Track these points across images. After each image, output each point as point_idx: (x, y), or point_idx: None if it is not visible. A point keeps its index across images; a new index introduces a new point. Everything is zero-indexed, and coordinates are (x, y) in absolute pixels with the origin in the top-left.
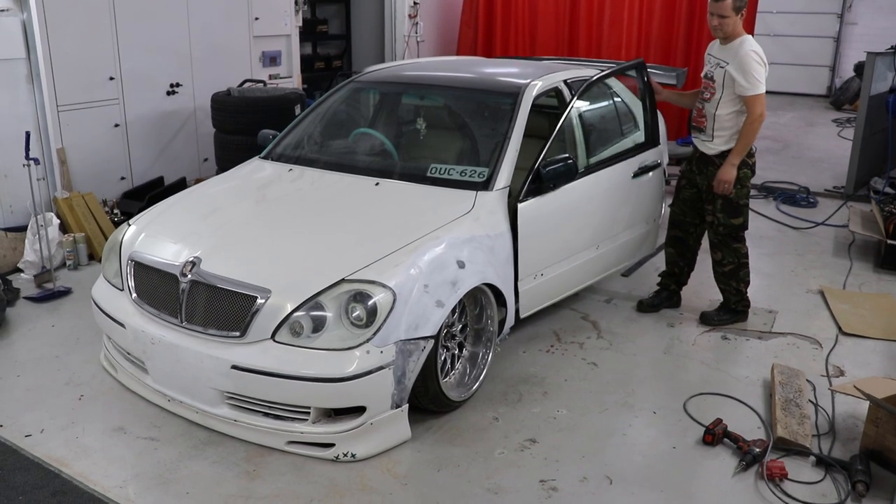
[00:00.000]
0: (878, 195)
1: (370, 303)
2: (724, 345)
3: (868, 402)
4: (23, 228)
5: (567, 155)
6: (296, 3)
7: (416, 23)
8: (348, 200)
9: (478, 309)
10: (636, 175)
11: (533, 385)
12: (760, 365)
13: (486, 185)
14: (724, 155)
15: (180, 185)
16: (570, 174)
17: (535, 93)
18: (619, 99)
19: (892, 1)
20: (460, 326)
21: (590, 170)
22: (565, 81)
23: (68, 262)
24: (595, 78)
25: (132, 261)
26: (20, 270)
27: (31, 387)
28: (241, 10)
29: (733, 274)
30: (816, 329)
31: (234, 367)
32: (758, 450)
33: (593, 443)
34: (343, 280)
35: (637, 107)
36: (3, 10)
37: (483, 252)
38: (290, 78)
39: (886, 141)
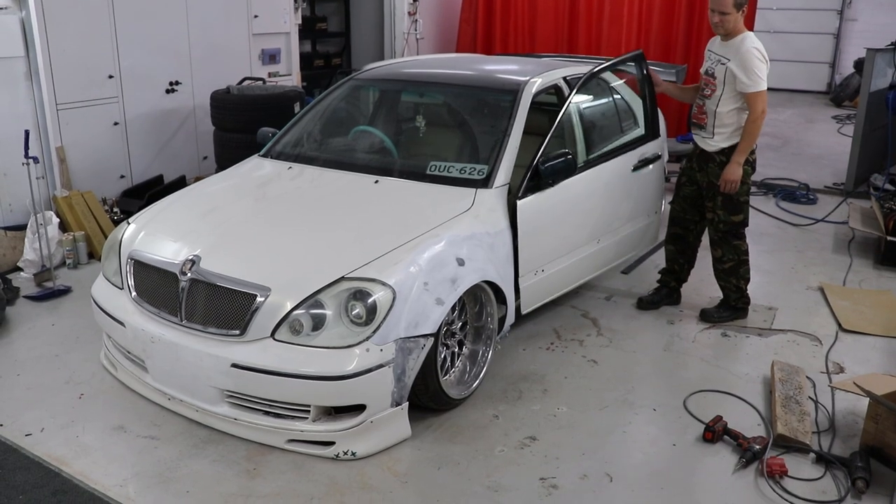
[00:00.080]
0: (877, 192)
1: (370, 301)
2: (724, 342)
3: (868, 399)
4: (22, 227)
5: (566, 150)
6: (295, 0)
7: (416, 20)
8: (348, 198)
9: (478, 306)
10: (636, 168)
11: (533, 383)
12: (760, 362)
13: (485, 182)
14: (724, 152)
15: (180, 183)
16: (568, 170)
17: (534, 90)
18: (618, 96)
19: None
20: (460, 324)
21: (589, 164)
22: (565, 78)
23: (68, 261)
24: (595, 70)
25: (132, 259)
26: (20, 269)
27: (31, 386)
28: (241, 7)
29: (733, 271)
30: (816, 326)
31: (234, 365)
32: (758, 447)
33: (593, 440)
34: (343, 278)
35: (637, 104)
36: (1, 8)
37: (483, 249)
38: (289, 76)
39: (886, 137)
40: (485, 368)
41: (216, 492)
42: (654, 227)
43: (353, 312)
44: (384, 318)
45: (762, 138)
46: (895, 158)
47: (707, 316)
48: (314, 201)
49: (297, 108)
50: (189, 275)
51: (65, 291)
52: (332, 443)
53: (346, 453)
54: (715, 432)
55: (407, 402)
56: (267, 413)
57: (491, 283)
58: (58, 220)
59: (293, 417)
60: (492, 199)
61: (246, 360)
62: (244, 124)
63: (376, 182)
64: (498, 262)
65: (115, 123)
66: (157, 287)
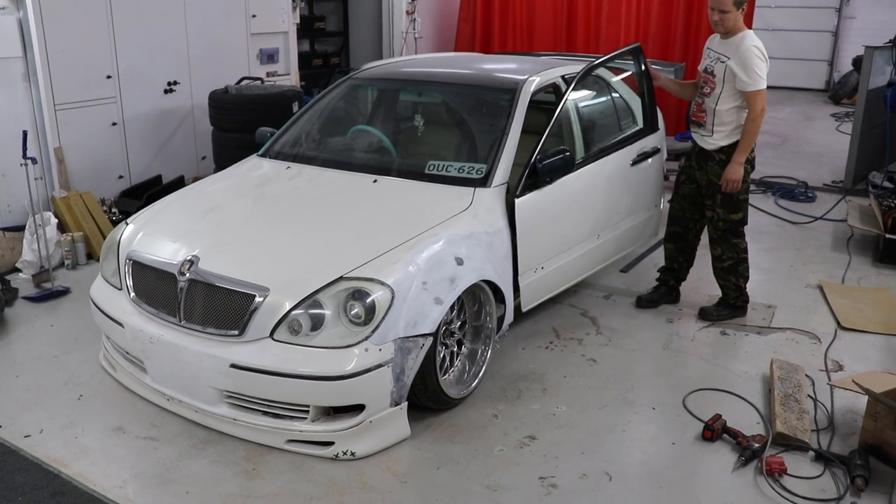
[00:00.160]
0: (876, 189)
1: (368, 300)
2: (723, 340)
3: (867, 397)
4: (21, 228)
5: (564, 147)
6: (293, 0)
7: (414, 19)
8: (346, 198)
9: (476, 306)
10: (635, 162)
11: (532, 382)
12: (759, 360)
13: (484, 181)
14: (723, 150)
15: (178, 183)
16: (566, 166)
17: (532, 88)
18: (616, 94)
19: None
20: (459, 323)
21: (588, 160)
22: (563, 77)
23: (66, 262)
24: (595, 63)
25: (130, 260)
26: (18, 270)
27: (29, 387)
28: (239, 7)
29: (732, 269)
30: (815, 324)
31: (233, 365)
32: (757, 445)
33: (592, 439)
34: (341, 278)
35: (635, 102)
36: None
37: (481, 249)
38: (287, 75)
39: (885, 135)
40: (484, 368)
41: (215, 492)
42: (655, 220)
43: (352, 312)
44: (383, 318)
45: (761, 136)
46: (894, 156)
47: (706, 314)
48: (313, 201)
49: (295, 107)
50: (188, 275)
51: (63, 292)
52: (332, 443)
53: (345, 453)
54: (714, 431)
55: (406, 402)
56: (266, 413)
57: (490, 283)
58: (56, 220)
59: (292, 418)
60: (490, 199)
61: (245, 360)
62: (242, 124)
63: (375, 181)
64: (496, 262)
65: (114, 124)
66: (156, 287)
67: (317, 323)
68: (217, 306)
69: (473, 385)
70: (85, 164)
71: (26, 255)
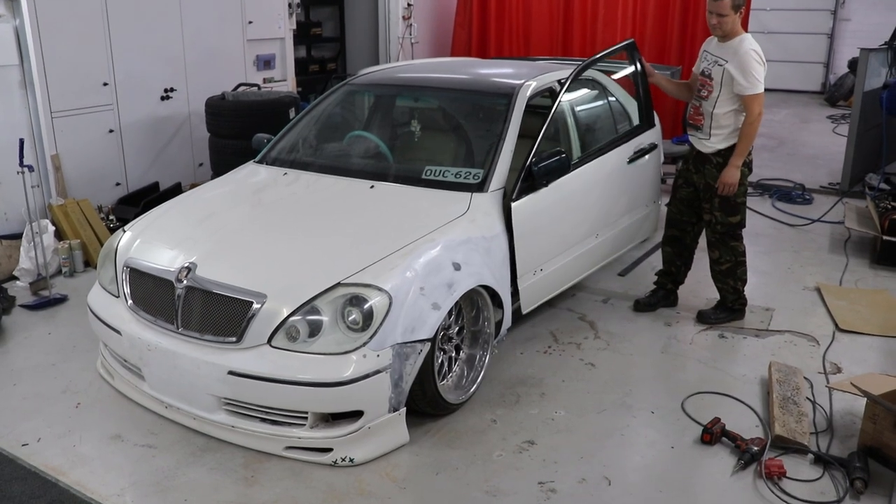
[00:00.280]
0: (873, 191)
1: (366, 306)
2: (722, 343)
3: (865, 399)
4: (18, 236)
5: (559, 149)
6: (289, 6)
7: (411, 24)
8: (343, 204)
9: (474, 311)
10: (632, 160)
11: (531, 386)
12: (758, 363)
13: (481, 186)
14: (720, 153)
15: (175, 190)
16: (562, 168)
17: (529, 93)
18: (612, 98)
19: None
20: (457, 329)
21: (584, 161)
22: (559, 81)
23: (64, 270)
24: (590, 60)
25: (127, 267)
26: (16, 278)
27: (27, 395)
28: (235, 13)
29: (731, 272)
30: (813, 326)
31: (231, 372)
32: (756, 448)
33: (591, 443)
34: (339, 284)
35: (631, 104)
36: None
37: (479, 254)
38: (284, 81)
39: (881, 137)
40: (482, 373)
41: (214, 500)
42: (653, 216)
43: (350, 318)
44: (381, 324)
45: (758, 139)
46: (890, 158)
47: (704, 317)
48: (310, 207)
49: (292, 113)
50: (185, 282)
51: (61, 300)
52: (330, 449)
53: (343, 460)
54: (713, 434)
55: (404, 408)
56: (264, 420)
57: (487, 288)
58: (53, 228)
59: (291, 424)
60: (487, 203)
61: (243, 367)
62: (239, 130)
63: (372, 187)
64: (494, 266)
65: (111, 131)
66: (154, 295)
67: (314, 329)
68: (214, 313)
69: (472, 390)
70: (82, 172)
71: (23, 263)
